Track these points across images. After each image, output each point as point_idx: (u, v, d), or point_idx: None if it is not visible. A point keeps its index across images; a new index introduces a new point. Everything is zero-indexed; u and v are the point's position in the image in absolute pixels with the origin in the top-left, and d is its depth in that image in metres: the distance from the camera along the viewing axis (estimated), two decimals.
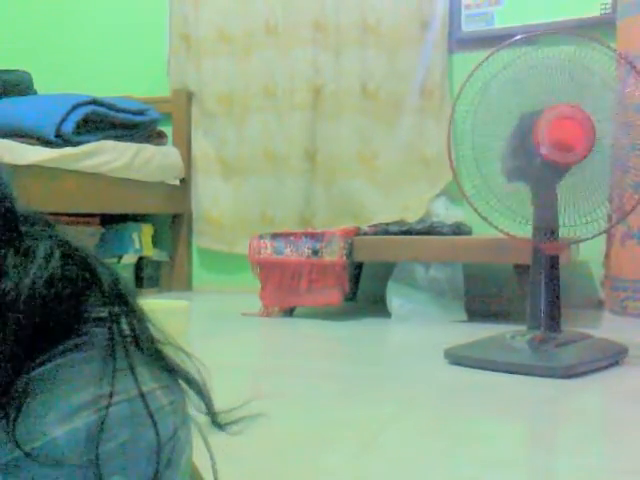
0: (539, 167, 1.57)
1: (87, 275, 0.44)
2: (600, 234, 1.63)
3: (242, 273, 2.91)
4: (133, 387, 0.42)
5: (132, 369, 0.43)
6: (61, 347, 0.42)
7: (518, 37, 1.63)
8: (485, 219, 1.68)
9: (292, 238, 2.41)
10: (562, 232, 1.64)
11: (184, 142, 3.22)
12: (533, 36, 1.65)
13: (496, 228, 1.68)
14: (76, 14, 3.48)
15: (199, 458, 0.50)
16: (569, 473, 0.94)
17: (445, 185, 2.78)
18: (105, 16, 3.43)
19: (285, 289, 2.39)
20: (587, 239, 1.63)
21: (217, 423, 0.48)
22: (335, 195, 2.97)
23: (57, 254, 0.43)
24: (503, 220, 1.66)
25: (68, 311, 0.43)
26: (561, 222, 1.62)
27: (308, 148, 3.00)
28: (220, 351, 1.87)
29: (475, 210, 1.68)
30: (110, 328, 0.44)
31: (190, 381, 0.47)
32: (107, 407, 0.40)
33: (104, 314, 0.45)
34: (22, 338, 0.41)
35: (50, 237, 0.44)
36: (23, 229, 0.44)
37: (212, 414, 0.48)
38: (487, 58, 1.66)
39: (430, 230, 2.46)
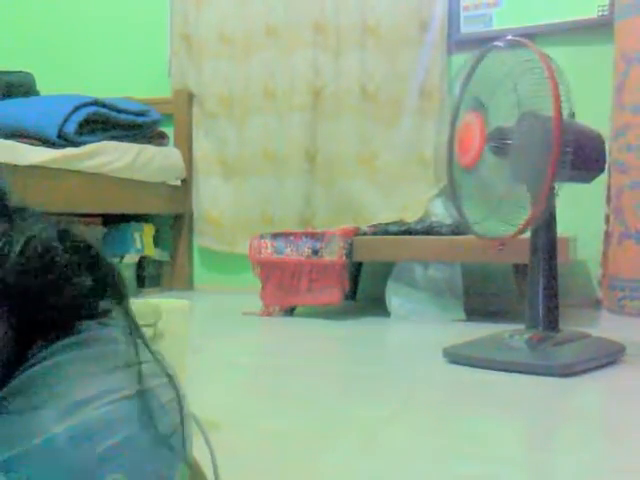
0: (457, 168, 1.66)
1: (90, 270, 0.45)
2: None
3: (243, 273, 2.92)
4: (134, 385, 0.42)
5: (132, 367, 0.43)
6: (62, 344, 0.42)
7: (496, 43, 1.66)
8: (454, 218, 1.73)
9: (292, 238, 2.42)
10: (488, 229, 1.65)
11: (185, 143, 3.23)
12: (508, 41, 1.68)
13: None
14: (77, 14, 3.49)
15: (200, 455, 0.52)
16: (567, 471, 0.95)
17: (444, 185, 2.79)
18: (106, 16, 3.44)
19: (285, 288, 2.41)
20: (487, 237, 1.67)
21: None
22: (335, 195, 2.98)
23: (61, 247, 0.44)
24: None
25: (68, 306, 0.44)
26: (472, 220, 1.66)
27: (308, 149, 3.01)
28: (221, 350, 1.88)
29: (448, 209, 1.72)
30: (111, 326, 0.45)
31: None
32: (108, 404, 0.40)
33: (105, 311, 0.46)
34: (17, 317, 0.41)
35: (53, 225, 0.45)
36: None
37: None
38: (479, 59, 1.70)
39: (429, 230, 2.47)
